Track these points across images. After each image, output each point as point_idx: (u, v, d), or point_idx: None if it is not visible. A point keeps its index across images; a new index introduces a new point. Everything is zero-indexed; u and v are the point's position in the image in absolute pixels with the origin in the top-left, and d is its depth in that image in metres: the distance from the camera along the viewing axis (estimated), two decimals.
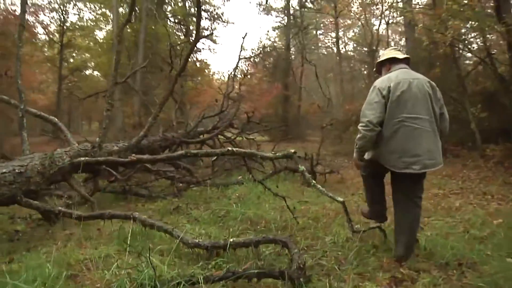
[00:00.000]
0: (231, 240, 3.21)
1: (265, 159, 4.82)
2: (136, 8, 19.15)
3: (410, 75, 3.20)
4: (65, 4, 24.42)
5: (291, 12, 23.99)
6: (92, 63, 26.54)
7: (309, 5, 22.73)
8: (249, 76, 27.08)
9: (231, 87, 11.28)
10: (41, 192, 4.44)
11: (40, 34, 25.34)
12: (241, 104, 22.13)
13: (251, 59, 24.10)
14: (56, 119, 6.20)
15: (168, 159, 5.53)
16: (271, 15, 25.58)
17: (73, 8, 24.90)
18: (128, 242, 3.28)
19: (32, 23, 22.45)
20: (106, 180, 6.10)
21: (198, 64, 29.20)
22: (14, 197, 3.95)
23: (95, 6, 23.16)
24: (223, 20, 24.70)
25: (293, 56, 25.58)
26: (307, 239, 3.85)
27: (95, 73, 28.04)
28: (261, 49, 23.18)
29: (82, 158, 4.84)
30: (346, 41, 28.12)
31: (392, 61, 3.40)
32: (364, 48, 22.25)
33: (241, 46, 11.65)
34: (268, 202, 5.55)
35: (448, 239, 3.66)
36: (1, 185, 3.79)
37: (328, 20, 22.40)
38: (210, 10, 24.74)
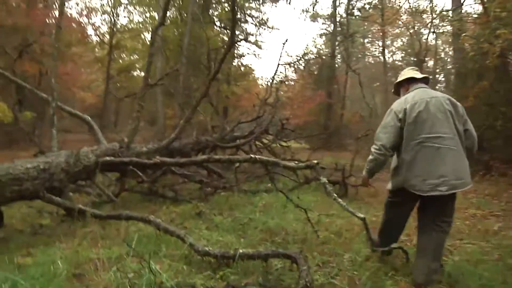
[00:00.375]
0: (241, 251, 3.09)
1: (287, 168, 4.67)
2: (183, 12, 19.62)
3: (428, 94, 3.08)
4: (117, 7, 25.31)
5: (338, 19, 23.64)
6: (139, 64, 27.23)
7: (356, 12, 22.30)
8: (292, 83, 27.05)
9: (269, 93, 11.19)
10: (66, 189, 4.50)
11: (91, 35, 26.49)
12: (283, 111, 22.15)
13: (294, 66, 23.94)
14: (89, 118, 6.35)
15: (191, 163, 5.50)
16: (317, 22, 25.28)
17: (124, 10, 25.73)
18: (133, 245, 3.20)
19: (84, 25, 23.44)
20: (135, 180, 6.17)
21: (242, 69, 29.49)
22: (36, 192, 4.03)
23: (144, 8, 23.83)
24: (268, 26, 24.68)
25: (338, 64, 25.17)
26: (324, 254, 3.67)
27: (142, 74, 28.75)
28: (302, 55, 22.88)
29: (108, 158, 4.89)
30: (394, 50, 27.38)
31: (410, 81, 3.31)
32: (412, 58, 21.54)
33: (281, 52, 11.44)
34: (293, 213, 5.37)
35: (478, 267, 3.33)
36: (24, 180, 3.88)
37: (376, 28, 21.85)
38: (255, 15, 24.79)
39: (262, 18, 24.75)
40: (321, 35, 25.83)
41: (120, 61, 30.22)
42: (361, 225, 4.66)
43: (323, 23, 25.29)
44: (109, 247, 3.76)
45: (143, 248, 3.66)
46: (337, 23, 23.55)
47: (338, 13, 23.66)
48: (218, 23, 24.20)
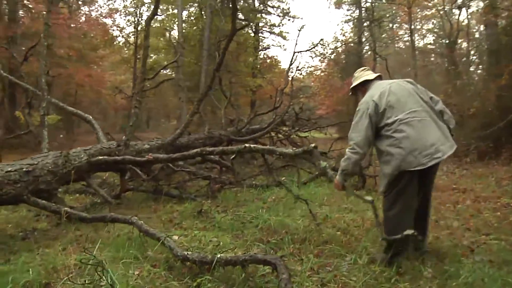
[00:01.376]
0: (219, 256, 2.75)
1: (284, 156, 4.36)
2: (203, 7, 19.39)
3: (386, 83, 3.28)
4: (139, 7, 25.37)
5: (363, 4, 22.75)
6: (165, 62, 27.21)
7: None
8: (318, 72, 26.38)
9: (287, 82, 10.76)
10: (56, 191, 4.29)
11: (117, 36, 26.73)
12: (310, 101, 21.62)
13: (319, 54, 23.32)
14: (91, 117, 6.17)
15: (184, 158, 5.19)
16: (342, 8, 24.45)
17: (147, 10, 25.69)
18: (119, 249, 2.92)
19: (110, 26, 23.71)
20: (140, 179, 5.94)
21: (268, 61, 29.02)
22: (20, 196, 3.83)
23: (166, 7, 23.78)
24: (291, 15, 24.14)
25: (366, 51, 24.33)
26: (323, 256, 3.27)
27: (168, 72, 28.74)
28: (319, 42, 22.16)
29: (100, 157, 4.66)
30: (424, 33, 26.12)
31: (366, 83, 3.44)
32: (444, 40, 20.45)
33: (297, 39, 10.94)
34: (301, 208, 5.00)
35: (502, 270, 2.83)
36: (4, 184, 3.68)
37: (403, 11, 20.84)
38: (277, 5, 24.28)
39: (283, 8, 24.15)
40: (346, 22, 24.92)
41: (150, 60, 30.30)
42: (373, 221, 4.28)
43: (348, 9, 24.44)
44: (93, 252, 3.53)
45: (126, 252, 3.41)
46: (362, 8, 22.68)
47: None
48: (241, 16, 23.90)
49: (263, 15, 25.58)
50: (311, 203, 5.20)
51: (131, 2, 26.02)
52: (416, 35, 24.75)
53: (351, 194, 3.48)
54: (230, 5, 21.24)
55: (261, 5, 24.61)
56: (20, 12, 17.47)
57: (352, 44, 24.15)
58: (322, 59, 25.30)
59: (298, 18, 25.68)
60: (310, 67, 25.95)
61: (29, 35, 15.53)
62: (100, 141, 5.55)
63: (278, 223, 4.25)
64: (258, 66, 25.71)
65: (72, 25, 18.07)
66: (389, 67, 19.35)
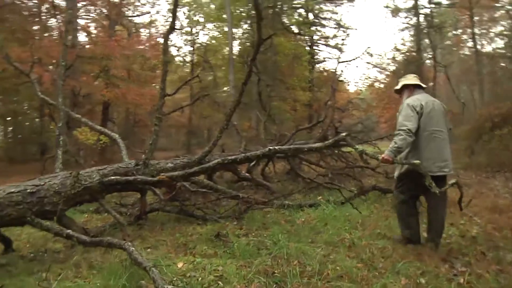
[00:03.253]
0: None
1: (314, 150, 4.68)
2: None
3: (431, 98, 3.98)
4: (196, 27, 25.99)
5: (421, 10, 21.52)
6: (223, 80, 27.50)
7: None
8: (379, 84, 25.35)
9: (332, 95, 10.21)
10: (62, 213, 4.15)
11: (176, 56, 27.53)
12: (364, 114, 20.72)
13: (377, 65, 22.40)
14: (117, 136, 6.11)
15: (203, 171, 4.91)
16: (399, 16, 23.29)
17: (203, 29, 26.28)
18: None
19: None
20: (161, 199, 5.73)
21: (325, 74, 28.40)
22: (23, 217, 3.73)
23: (220, 25, 24.16)
24: (345, 27, 23.48)
25: (426, 59, 22.99)
26: None
27: (225, 88, 29.01)
28: (368, 52, 21.27)
29: (112, 177, 4.50)
30: (492, 37, 24.23)
31: (415, 86, 4.04)
32: None
33: (342, 47, 10.42)
34: (328, 233, 4.51)
35: None
36: (5, 206, 3.60)
37: (465, 15, 19.47)
38: (330, 17, 23.76)
39: (336, 20, 23.60)
40: (402, 30, 23.73)
41: (209, 78, 30.73)
42: (406, 252, 3.74)
43: (405, 17, 23.25)
44: (86, 279, 3.33)
45: (117, 281, 3.15)
46: (421, 15, 21.47)
47: (421, 4, 21.54)
48: (295, 29, 23.61)
49: (318, 27, 25.19)
50: (340, 229, 4.73)
51: (187, 22, 26.79)
52: (482, 39, 23.11)
53: (401, 162, 3.84)
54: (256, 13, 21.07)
55: (314, 18, 24.20)
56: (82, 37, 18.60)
57: (414, 53, 22.99)
58: (380, 70, 24.24)
59: (352, 29, 24.71)
60: (368, 79, 24.88)
61: (87, 58, 16.36)
62: (123, 160, 5.44)
63: (294, 251, 3.81)
64: (313, 79, 25.19)
65: (131, 48, 18.67)
66: (452, 75, 18.08)
